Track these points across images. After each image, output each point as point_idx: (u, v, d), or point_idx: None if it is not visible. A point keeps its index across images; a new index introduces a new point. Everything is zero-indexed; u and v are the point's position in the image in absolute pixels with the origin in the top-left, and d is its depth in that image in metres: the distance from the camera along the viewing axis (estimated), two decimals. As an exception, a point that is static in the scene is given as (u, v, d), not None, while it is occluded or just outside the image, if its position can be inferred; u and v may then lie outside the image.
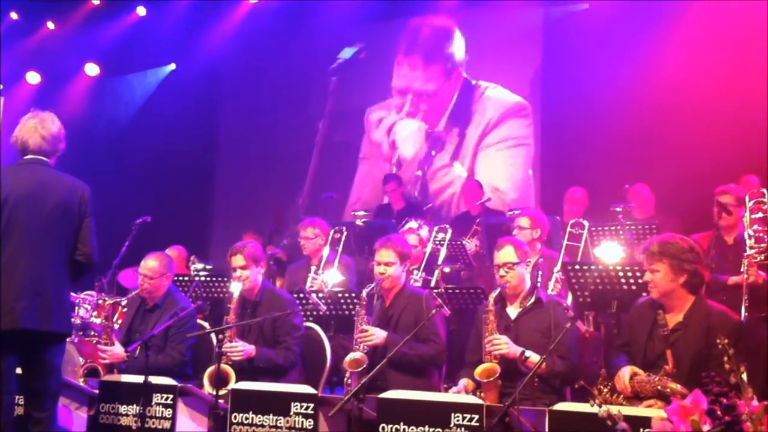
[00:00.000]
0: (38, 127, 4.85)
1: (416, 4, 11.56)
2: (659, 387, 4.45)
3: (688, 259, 4.63)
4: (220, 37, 12.30)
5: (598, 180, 9.22)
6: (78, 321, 7.19)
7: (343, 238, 7.85)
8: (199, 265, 8.23)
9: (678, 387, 4.38)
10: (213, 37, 12.27)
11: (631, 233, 7.21)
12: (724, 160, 8.40)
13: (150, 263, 6.34)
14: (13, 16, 11.85)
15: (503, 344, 5.22)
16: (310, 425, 4.76)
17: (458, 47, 11.45)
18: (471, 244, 8.42)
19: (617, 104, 9.62)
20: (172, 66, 12.94)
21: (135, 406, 5.22)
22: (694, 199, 8.02)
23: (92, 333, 7.18)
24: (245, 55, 12.67)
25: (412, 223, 8.05)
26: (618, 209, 7.46)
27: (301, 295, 6.69)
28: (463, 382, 5.38)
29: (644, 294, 5.38)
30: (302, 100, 12.57)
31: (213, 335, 6.08)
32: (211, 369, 5.61)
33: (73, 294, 6.91)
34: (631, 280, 5.64)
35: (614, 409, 3.32)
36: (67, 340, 5.19)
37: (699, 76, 8.99)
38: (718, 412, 2.90)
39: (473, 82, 11.32)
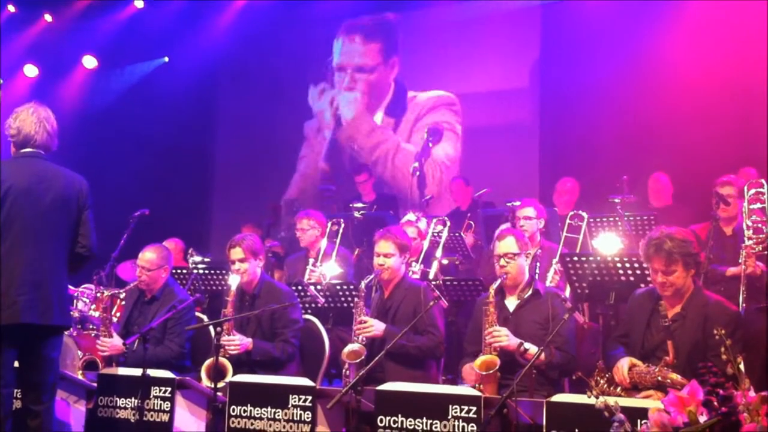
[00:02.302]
0: (45, 123, 4.86)
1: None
2: (659, 378, 4.45)
3: (696, 252, 4.63)
4: (218, 29, 12.28)
5: (597, 171, 9.21)
6: (76, 314, 7.19)
7: (341, 230, 7.84)
8: (198, 258, 8.23)
9: (678, 377, 4.38)
10: (211, 29, 12.26)
11: (629, 224, 7.21)
12: (724, 151, 8.40)
13: (148, 255, 6.34)
14: (11, 8, 11.81)
15: (503, 336, 5.21)
16: (308, 417, 4.76)
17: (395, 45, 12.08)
18: (469, 237, 8.43)
19: (616, 94, 9.60)
20: (169, 58, 12.89)
21: (133, 399, 5.22)
22: (694, 190, 8.01)
23: (91, 326, 7.19)
24: (243, 47, 12.65)
25: (410, 216, 8.04)
26: (616, 200, 7.46)
27: (300, 288, 6.69)
28: (467, 367, 5.37)
29: (642, 285, 5.39)
30: (299, 91, 12.56)
31: (211, 328, 6.08)
32: (208, 362, 5.62)
33: (71, 287, 6.91)
34: (629, 272, 5.64)
35: (611, 401, 3.31)
36: (66, 333, 5.19)
37: (699, 65, 8.97)
38: (715, 403, 2.90)
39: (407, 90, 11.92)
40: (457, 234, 8.09)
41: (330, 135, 12.26)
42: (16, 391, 4.81)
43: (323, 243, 7.76)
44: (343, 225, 7.94)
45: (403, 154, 11.55)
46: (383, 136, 11.89)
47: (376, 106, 12.08)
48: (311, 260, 7.69)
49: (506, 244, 5.49)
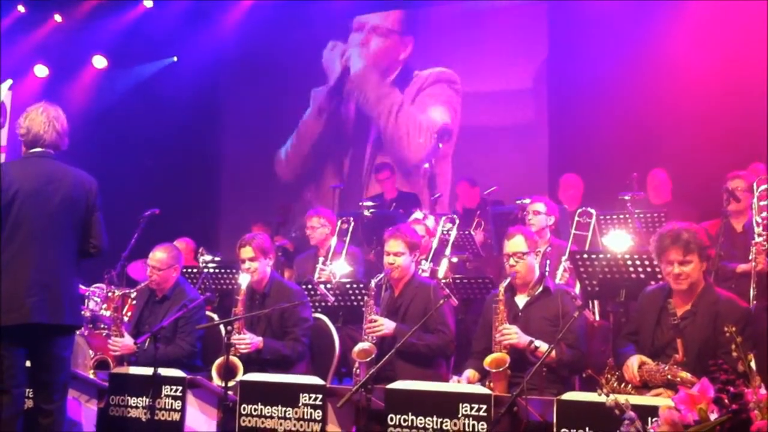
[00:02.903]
0: (54, 122, 4.86)
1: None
2: (669, 376, 4.44)
3: (709, 246, 4.63)
4: (225, 28, 12.29)
5: (606, 168, 9.20)
6: (88, 314, 7.22)
7: (351, 229, 7.84)
8: (208, 257, 8.24)
9: (688, 376, 4.37)
10: (218, 28, 12.27)
11: (639, 221, 7.20)
12: (732, 147, 8.37)
13: (158, 255, 6.36)
14: (21, 9, 11.85)
15: (513, 334, 5.21)
16: (318, 416, 4.77)
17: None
18: (479, 235, 8.43)
19: (625, 92, 9.58)
20: (178, 58, 12.92)
21: (144, 398, 5.24)
22: (702, 186, 7.99)
23: (102, 325, 7.22)
24: (250, 46, 12.65)
25: (418, 214, 8.04)
26: (626, 197, 7.44)
27: (309, 286, 6.70)
28: (468, 373, 5.38)
29: (652, 282, 5.38)
30: (306, 90, 12.58)
31: (222, 327, 6.10)
32: (219, 361, 5.63)
33: (82, 287, 6.94)
34: (640, 269, 5.62)
35: (622, 398, 3.31)
36: (77, 332, 5.21)
37: (705, 62, 8.94)
38: (726, 401, 2.89)
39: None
40: (466, 232, 8.08)
41: (334, 82, 12.36)
42: (27, 390, 4.84)
43: (333, 241, 7.77)
44: (352, 223, 7.95)
45: (406, 113, 11.61)
46: (390, 91, 11.94)
47: (383, 73, 12.15)
48: (321, 259, 7.70)
49: (515, 243, 5.49)
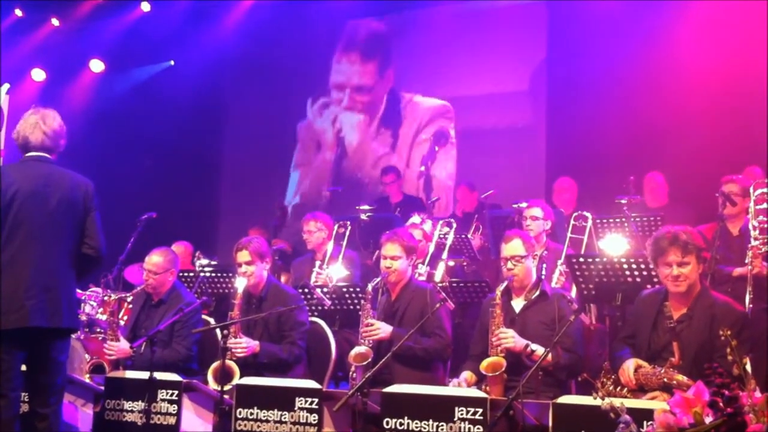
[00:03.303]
0: (40, 123, 4.86)
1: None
2: (665, 379, 4.45)
3: (704, 249, 4.64)
4: (224, 31, 12.29)
5: (603, 171, 9.20)
6: (84, 317, 7.21)
7: (347, 233, 7.84)
8: (204, 261, 8.24)
9: (684, 379, 4.37)
10: (217, 31, 12.27)
11: (635, 225, 7.20)
12: (730, 151, 8.37)
13: (154, 259, 6.36)
14: (18, 13, 11.85)
15: (510, 338, 5.22)
16: (314, 420, 4.77)
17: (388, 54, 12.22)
18: (476, 239, 8.43)
19: (623, 95, 9.58)
20: (175, 61, 12.92)
21: (140, 402, 5.23)
22: (699, 190, 7.99)
23: (98, 329, 7.20)
24: (249, 50, 12.65)
25: (415, 218, 8.04)
26: (623, 201, 7.45)
27: (306, 290, 6.70)
28: (465, 375, 5.38)
29: (649, 286, 5.38)
30: (306, 93, 12.58)
31: (218, 331, 6.09)
32: (215, 365, 5.63)
33: (79, 290, 6.93)
34: (636, 273, 5.62)
35: (617, 402, 3.31)
36: (73, 336, 5.21)
37: (705, 65, 8.94)
38: (721, 404, 2.89)
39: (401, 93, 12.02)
40: (463, 236, 8.08)
41: (332, 158, 12.32)
42: (23, 394, 4.83)
43: (330, 245, 7.76)
44: (349, 227, 7.95)
45: (408, 181, 11.41)
46: (389, 160, 11.80)
47: (372, 119, 12.16)
48: (318, 263, 7.69)
49: (513, 247, 5.50)
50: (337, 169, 12.27)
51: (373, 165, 11.96)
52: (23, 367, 4.73)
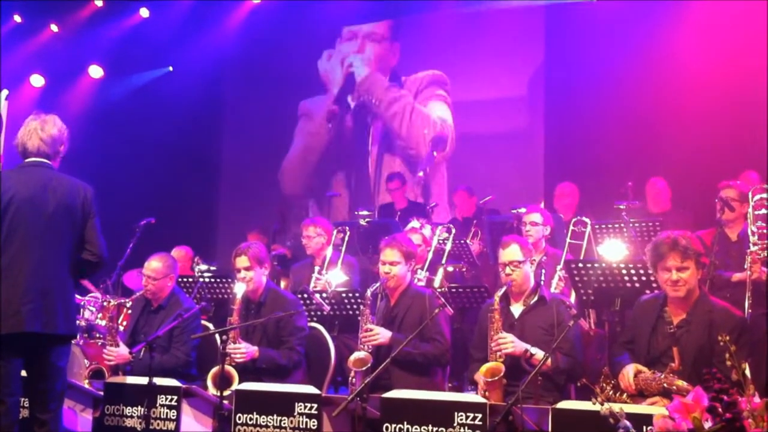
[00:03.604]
0: (37, 130, 4.84)
1: (415, 3, 11.57)
2: (665, 384, 4.45)
3: (703, 254, 4.65)
4: (223, 36, 12.31)
5: (602, 176, 9.22)
6: (83, 323, 7.21)
7: (347, 238, 7.85)
8: (203, 266, 8.24)
9: (684, 384, 4.38)
10: (216, 36, 12.29)
11: (634, 230, 7.21)
12: (729, 156, 8.39)
13: (153, 264, 6.36)
14: (17, 18, 11.86)
15: (509, 343, 5.22)
16: (314, 425, 4.77)
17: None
18: (475, 245, 8.44)
19: (621, 100, 9.60)
20: (174, 67, 12.94)
21: (139, 407, 5.23)
22: (699, 195, 8.00)
23: (97, 335, 7.21)
24: (248, 55, 12.68)
25: (414, 223, 8.05)
26: (622, 206, 7.46)
27: (305, 296, 6.70)
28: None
29: (648, 291, 5.39)
30: (305, 98, 12.59)
31: (217, 336, 6.10)
32: (214, 370, 5.64)
33: (78, 296, 6.92)
34: (635, 278, 5.64)
35: (616, 407, 3.31)
36: (72, 342, 5.20)
37: (704, 69, 8.97)
38: (719, 409, 2.90)
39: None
40: (462, 241, 8.09)
41: (338, 90, 12.40)
42: (23, 399, 4.83)
43: (329, 251, 7.77)
44: (348, 233, 7.95)
45: (417, 114, 11.68)
46: (399, 93, 11.99)
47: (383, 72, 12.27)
48: (317, 268, 7.70)
49: (511, 252, 5.51)
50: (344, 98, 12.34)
51: (383, 90, 12.12)
52: (23, 373, 4.72)
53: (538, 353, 5.12)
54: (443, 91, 11.62)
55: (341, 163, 12.20)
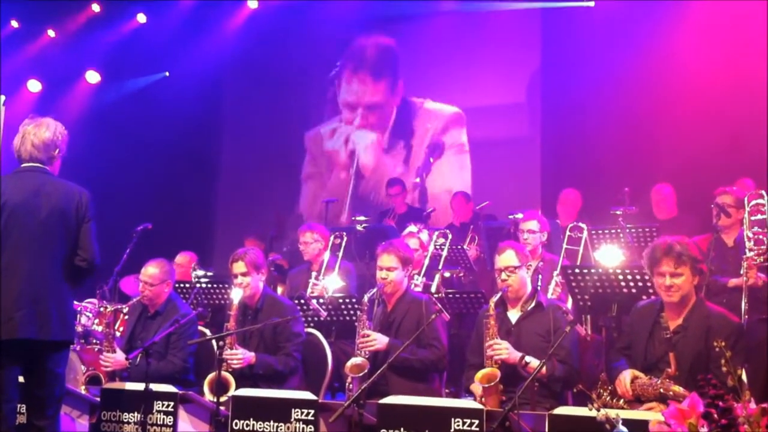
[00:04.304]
0: (30, 135, 4.82)
1: (413, 4, 11.57)
2: (661, 390, 4.46)
3: (701, 261, 4.65)
4: (221, 42, 12.32)
5: (599, 182, 9.23)
6: (80, 329, 7.21)
7: (343, 244, 7.85)
8: (200, 272, 8.24)
9: (680, 390, 4.39)
10: (213, 42, 12.29)
11: (631, 236, 7.22)
12: (725, 162, 8.40)
13: (150, 270, 6.37)
14: (14, 24, 11.87)
15: (504, 349, 5.22)
16: (310, 431, 4.76)
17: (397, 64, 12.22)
18: (472, 250, 8.45)
19: (618, 105, 9.62)
20: (170, 72, 12.94)
21: (136, 413, 5.22)
22: (698, 200, 8.01)
23: (94, 341, 7.20)
24: (246, 61, 12.69)
25: (412, 228, 8.06)
26: (618, 212, 7.47)
27: (302, 301, 6.70)
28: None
29: (644, 297, 5.40)
30: (303, 105, 12.61)
31: (214, 342, 6.10)
32: (211, 376, 5.63)
33: (75, 302, 6.91)
34: (631, 284, 5.64)
35: (613, 413, 3.32)
36: (69, 347, 5.19)
37: (702, 74, 8.98)
38: (715, 415, 2.90)
39: (411, 98, 11.99)
40: (459, 247, 8.10)
41: (348, 178, 12.24)
42: (21, 405, 4.82)
43: (326, 256, 7.77)
44: (345, 238, 7.95)
45: (423, 197, 11.46)
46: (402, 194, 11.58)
47: (384, 132, 12.14)
48: (314, 273, 7.70)
49: (507, 258, 5.51)
50: (355, 192, 12.21)
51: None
52: (21, 379, 4.72)
53: (533, 361, 5.12)
54: (464, 136, 11.49)
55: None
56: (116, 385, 5.65)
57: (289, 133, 12.62)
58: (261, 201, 12.46)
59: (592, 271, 5.85)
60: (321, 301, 6.68)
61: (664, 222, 7.94)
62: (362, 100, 12.29)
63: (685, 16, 9.29)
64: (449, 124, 11.58)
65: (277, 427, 4.86)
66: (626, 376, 4.64)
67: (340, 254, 7.80)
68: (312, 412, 4.79)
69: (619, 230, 7.27)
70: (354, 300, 6.53)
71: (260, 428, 4.91)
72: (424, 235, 7.93)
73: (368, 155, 12.14)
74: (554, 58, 10.68)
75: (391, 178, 10.75)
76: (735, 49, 8.93)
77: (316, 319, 6.58)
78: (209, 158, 13.18)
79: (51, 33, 12.18)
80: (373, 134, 12.13)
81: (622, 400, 4.61)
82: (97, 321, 7.31)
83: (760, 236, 6.11)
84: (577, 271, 5.93)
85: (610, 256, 6.36)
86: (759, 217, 6.20)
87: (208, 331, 6.59)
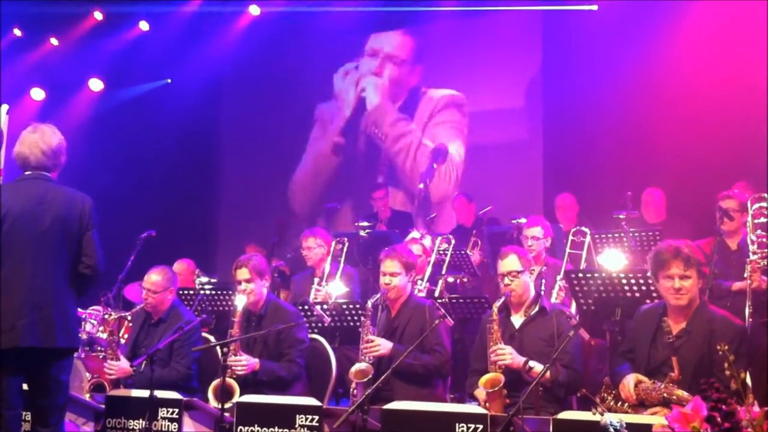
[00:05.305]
0: (39, 142, 4.82)
1: (414, 14, 11.58)
2: (665, 394, 4.46)
3: (703, 263, 4.67)
4: (222, 49, 12.33)
5: (601, 186, 9.23)
6: (85, 336, 7.21)
7: (345, 249, 7.85)
8: (204, 279, 8.24)
9: (684, 394, 4.38)
10: (215, 50, 12.31)
11: (634, 240, 7.22)
12: (728, 165, 8.40)
13: (153, 277, 6.37)
14: (17, 32, 11.90)
15: (507, 354, 5.22)
16: (315, 437, 4.77)
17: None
18: (475, 255, 8.45)
19: (619, 109, 9.61)
20: (172, 80, 12.97)
21: (141, 420, 5.22)
22: (697, 205, 8.02)
23: (98, 348, 7.21)
24: (246, 68, 12.70)
25: (415, 233, 8.07)
26: (621, 216, 7.47)
27: (306, 307, 6.70)
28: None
29: (648, 301, 5.40)
30: (303, 111, 12.62)
31: (218, 348, 6.10)
32: (215, 383, 5.63)
33: (79, 309, 6.92)
34: (635, 288, 5.64)
35: (616, 417, 3.32)
36: (74, 355, 5.19)
37: (703, 79, 8.97)
38: (719, 419, 2.90)
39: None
40: (462, 252, 8.10)
41: (349, 113, 12.32)
42: (26, 413, 4.82)
43: (329, 262, 7.78)
44: (347, 244, 7.96)
45: (423, 151, 11.59)
46: (407, 129, 11.91)
47: (396, 102, 12.18)
48: (317, 279, 7.70)
49: (509, 262, 5.51)
50: (355, 121, 12.31)
51: (391, 124, 12.03)
52: (25, 387, 4.72)
53: (537, 366, 5.12)
54: (459, 114, 11.55)
55: (349, 191, 12.14)
56: (121, 392, 5.66)
57: (290, 140, 12.63)
58: (262, 208, 12.46)
59: (596, 275, 5.85)
60: (325, 307, 6.69)
61: (653, 225, 7.95)
62: (384, 48, 12.30)
63: (686, 20, 9.28)
64: (449, 104, 11.69)
65: (282, 433, 4.86)
66: (630, 381, 4.64)
67: (342, 259, 7.81)
68: (316, 418, 4.80)
69: (622, 234, 7.27)
70: (358, 306, 6.54)
71: (265, 434, 4.92)
72: (427, 241, 7.93)
73: (375, 96, 12.21)
74: (555, 62, 10.68)
75: (375, 183, 10.84)
76: (737, 52, 8.93)
77: (320, 325, 6.58)
78: (211, 165, 13.21)
79: (54, 41, 12.20)
80: (385, 81, 12.20)
81: (626, 405, 4.61)
82: (101, 328, 7.32)
83: (764, 239, 6.11)
84: (580, 275, 5.94)
85: (613, 260, 6.37)
86: (762, 220, 6.20)
87: (212, 338, 6.59)
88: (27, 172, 4.85)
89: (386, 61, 12.22)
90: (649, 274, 5.07)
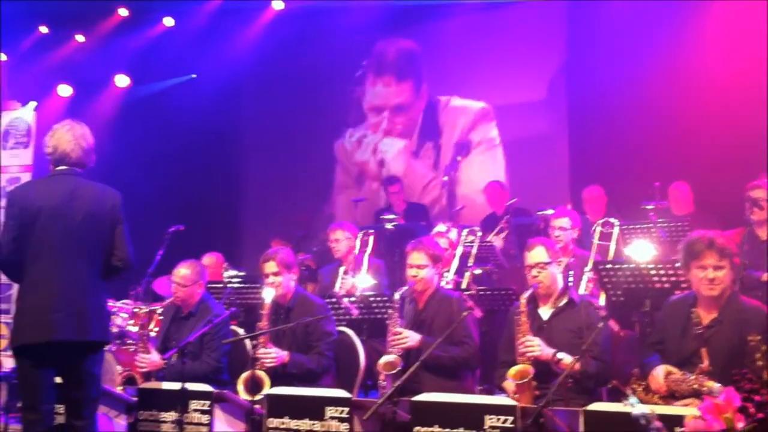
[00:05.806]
0: (80, 140, 4.90)
1: (433, 9, 11.55)
2: (695, 385, 4.44)
3: (736, 254, 4.64)
4: (248, 43, 12.37)
5: (628, 177, 9.18)
6: (115, 329, 7.27)
7: (371, 242, 7.86)
8: (232, 272, 8.29)
9: (715, 385, 4.35)
10: (240, 44, 12.35)
11: (663, 231, 7.18)
12: (755, 155, 8.32)
13: (182, 271, 6.42)
14: (43, 30, 12.00)
15: (536, 346, 5.22)
16: (345, 429, 4.79)
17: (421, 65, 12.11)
18: (498, 240, 8.39)
19: (646, 100, 9.54)
20: (197, 75, 13.03)
21: (173, 412, 5.29)
22: (725, 195, 7.96)
23: (129, 341, 7.27)
24: (270, 63, 12.71)
25: (441, 226, 8.06)
26: (649, 207, 7.43)
27: (333, 300, 6.73)
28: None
29: (677, 292, 5.37)
30: (326, 105, 12.62)
31: (247, 341, 6.15)
32: (245, 375, 5.68)
33: (109, 303, 6.99)
34: (664, 278, 5.62)
35: (648, 408, 3.31)
36: (105, 348, 5.26)
37: (729, 70, 8.89)
38: (751, 410, 2.90)
39: (436, 97, 11.89)
40: (487, 243, 8.08)
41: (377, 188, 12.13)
42: (59, 406, 4.89)
43: (356, 254, 7.80)
44: (373, 237, 7.97)
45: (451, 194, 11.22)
46: (436, 184, 11.62)
47: (411, 136, 12.08)
48: (342, 269, 7.73)
49: (537, 254, 5.51)
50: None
51: (423, 189, 11.83)
52: (58, 380, 4.78)
53: (566, 358, 5.12)
54: (493, 131, 11.39)
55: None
56: (153, 384, 5.72)
57: (313, 135, 12.63)
58: (286, 202, 12.50)
59: (624, 266, 5.84)
60: (352, 299, 6.71)
61: (681, 217, 7.91)
62: (388, 103, 12.22)
63: (713, 11, 9.19)
64: (478, 120, 11.49)
65: (312, 424, 4.89)
66: (659, 372, 4.62)
67: (368, 251, 7.82)
68: (346, 409, 4.82)
69: (650, 225, 7.23)
70: (385, 298, 6.55)
71: (295, 426, 4.95)
72: (453, 234, 7.93)
73: (398, 163, 12.06)
74: (579, 53, 10.62)
75: (389, 176, 10.88)
76: (762, 44, 8.81)
77: (347, 317, 6.61)
78: (235, 159, 13.25)
79: (80, 38, 12.29)
80: (401, 141, 12.06)
81: (656, 396, 4.59)
82: (132, 322, 7.38)
83: (794, 229, 6.07)
84: (609, 266, 5.93)
85: (642, 251, 6.35)
86: (792, 209, 6.16)
87: (241, 331, 6.63)
88: (59, 168, 4.91)
89: (392, 114, 12.17)
90: (677, 264, 5.05)
